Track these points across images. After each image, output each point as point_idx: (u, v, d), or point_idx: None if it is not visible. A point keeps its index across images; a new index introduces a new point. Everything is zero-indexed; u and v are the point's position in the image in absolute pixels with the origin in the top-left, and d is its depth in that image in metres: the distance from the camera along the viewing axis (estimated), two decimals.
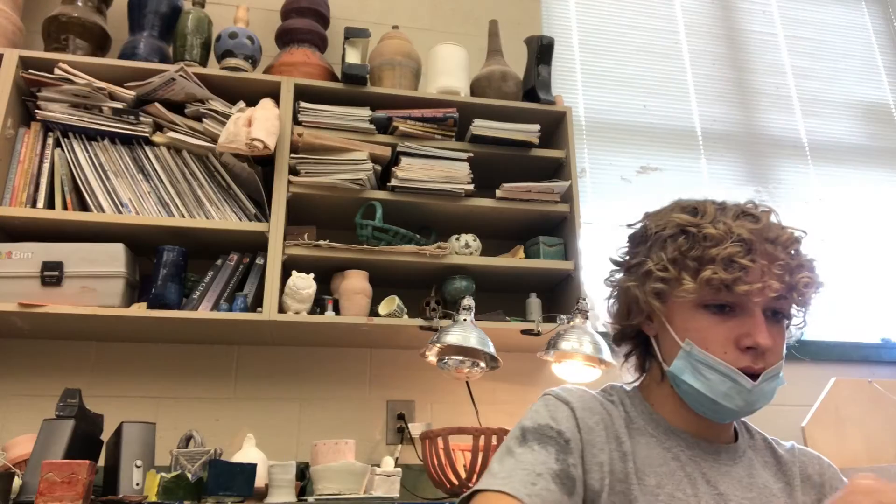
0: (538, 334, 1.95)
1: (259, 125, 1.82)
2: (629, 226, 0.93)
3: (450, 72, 2.20)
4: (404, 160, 1.99)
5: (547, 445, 0.79)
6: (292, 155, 1.95)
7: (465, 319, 1.78)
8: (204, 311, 1.82)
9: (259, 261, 1.93)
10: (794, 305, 0.83)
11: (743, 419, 0.92)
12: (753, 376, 0.79)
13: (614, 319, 0.94)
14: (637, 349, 0.93)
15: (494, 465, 0.78)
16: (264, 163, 1.99)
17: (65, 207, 1.82)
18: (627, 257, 0.91)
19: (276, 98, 2.00)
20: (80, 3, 2.03)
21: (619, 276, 0.92)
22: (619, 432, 0.84)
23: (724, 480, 0.84)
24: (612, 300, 0.93)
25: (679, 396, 0.86)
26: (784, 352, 0.84)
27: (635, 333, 0.92)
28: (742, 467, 0.86)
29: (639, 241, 0.90)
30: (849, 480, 0.65)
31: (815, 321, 2.76)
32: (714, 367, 0.80)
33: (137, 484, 1.50)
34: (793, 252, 0.81)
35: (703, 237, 0.80)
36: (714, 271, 0.78)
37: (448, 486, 1.64)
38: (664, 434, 0.86)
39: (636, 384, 0.94)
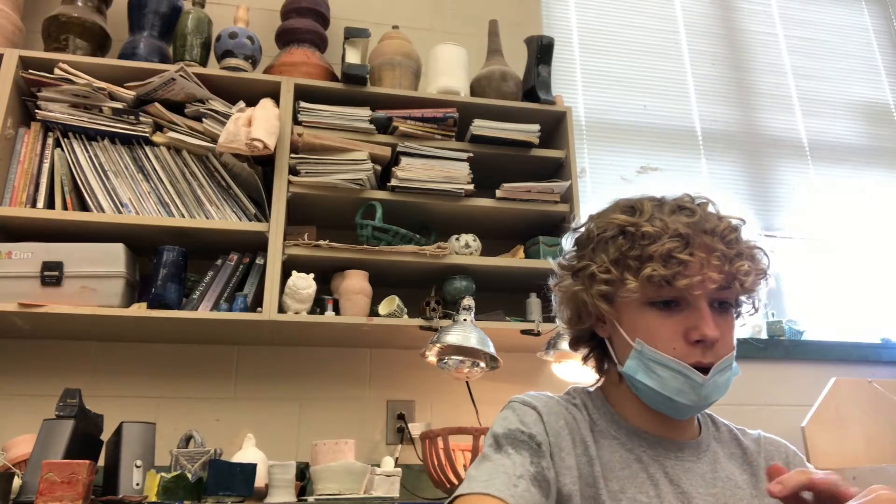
0: (538, 334, 1.95)
1: (259, 125, 1.82)
2: (574, 229, 0.94)
3: (450, 72, 2.20)
4: (404, 160, 1.99)
5: (521, 450, 0.79)
6: (292, 155, 1.95)
7: (465, 319, 1.78)
8: (204, 311, 1.82)
9: (259, 261, 1.93)
10: (739, 295, 0.84)
11: (707, 411, 0.92)
12: (704, 370, 0.80)
13: (567, 324, 0.93)
14: (594, 351, 0.94)
15: (472, 472, 0.78)
16: (264, 163, 1.99)
17: (65, 207, 1.82)
18: (574, 262, 0.90)
19: (276, 98, 2.00)
20: (80, 3, 2.03)
21: (566, 281, 0.90)
22: (584, 436, 0.84)
23: (687, 478, 0.84)
24: (562, 306, 0.92)
25: (637, 396, 0.86)
26: (735, 342, 0.84)
27: (590, 336, 0.93)
28: (706, 462, 0.86)
29: (583, 244, 0.90)
30: (866, 490, 0.64)
31: (814, 321, 2.76)
32: (665, 364, 0.80)
33: (137, 484, 1.50)
34: (731, 241, 0.81)
35: (640, 236, 0.81)
36: (654, 268, 0.79)
37: (448, 486, 1.64)
38: (626, 435, 0.86)
39: (598, 385, 0.94)
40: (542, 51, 2.24)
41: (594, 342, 0.93)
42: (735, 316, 0.86)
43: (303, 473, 1.73)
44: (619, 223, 0.84)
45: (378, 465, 1.75)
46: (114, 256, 1.79)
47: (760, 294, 0.86)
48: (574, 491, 0.79)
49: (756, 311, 0.88)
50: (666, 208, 0.84)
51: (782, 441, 0.95)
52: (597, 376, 0.95)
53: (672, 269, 0.78)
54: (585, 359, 0.95)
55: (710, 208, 0.85)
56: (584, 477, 0.81)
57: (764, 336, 2.44)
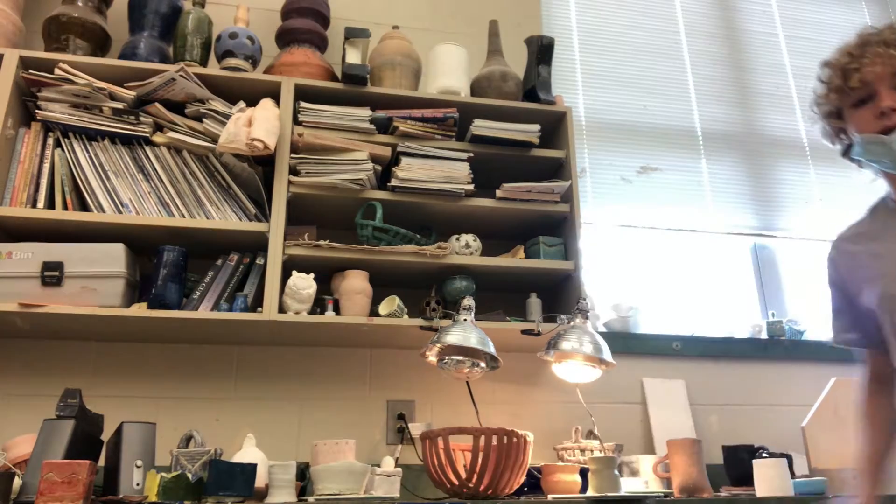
0: (538, 334, 1.95)
1: (259, 125, 1.83)
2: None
3: (450, 72, 2.20)
4: (404, 160, 2.00)
5: None
6: (292, 155, 1.95)
7: (465, 319, 1.78)
8: (204, 312, 1.82)
9: (259, 261, 1.93)
10: None
11: None
12: (891, 131, 1.11)
13: (834, 144, 1.30)
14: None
15: None
16: (264, 163, 1.99)
17: (65, 207, 1.82)
18: (812, 100, 1.30)
19: (276, 98, 2.00)
20: (80, 3, 2.03)
21: (816, 120, 1.29)
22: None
23: None
24: (824, 137, 1.30)
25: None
26: None
27: (851, 148, 1.25)
28: None
29: (816, 87, 1.28)
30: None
31: (815, 321, 2.76)
32: (867, 141, 1.15)
33: (137, 484, 1.50)
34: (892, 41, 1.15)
35: (832, 63, 1.22)
36: (838, 81, 1.19)
37: (448, 486, 1.64)
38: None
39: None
40: (542, 51, 2.24)
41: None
42: None
43: (303, 473, 1.73)
44: (823, 65, 1.25)
45: (378, 465, 1.75)
46: (114, 256, 1.79)
47: None
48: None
49: None
50: (851, 40, 1.21)
51: None
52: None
53: (848, 75, 1.16)
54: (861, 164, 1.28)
55: (886, 31, 1.17)
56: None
57: (764, 336, 2.44)
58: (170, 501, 1.41)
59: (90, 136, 1.90)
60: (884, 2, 3.27)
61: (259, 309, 1.82)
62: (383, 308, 1.96)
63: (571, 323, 1.86)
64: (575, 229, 2.08)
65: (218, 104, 1.94)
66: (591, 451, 1.91)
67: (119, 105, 1.89)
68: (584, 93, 2.72)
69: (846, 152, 1.29)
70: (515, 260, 2.05)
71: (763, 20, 3.09)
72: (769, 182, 2.78)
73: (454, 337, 1.72)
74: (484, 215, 2.12)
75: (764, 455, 1.83)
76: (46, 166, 1.85)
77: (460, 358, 1.83)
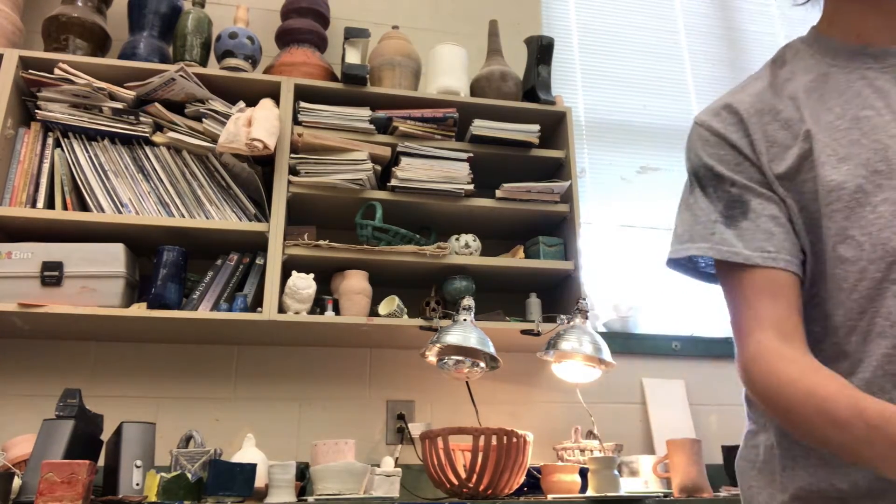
0: (538, 334, 1.95)
1: (259, 125, 1.83)
2: None
3: (450, 72, 2.20)
4: (404, 160, 1.99)
5: None
6: (292, 155, 1.95)
7: (465, 319, 1.78)
8: (204, 311, 1.82)
9: (259, 261, 1.93)
10: None
11: None
12: None
13: None
14: None
15: None
16: (264, 163, 1.99)
17: (65, 207, 1.82)
18: None
19: (276, 98, 2.00)
20: (80, 3, 2.03)
21: None
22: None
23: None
24: None
25: None
26: None
27: None
28: None
29: None
30: None
31: None
32: None
33: (137, 484, 1.50)
34: None
35: None
36: None
37: (448, 486, 1.64)
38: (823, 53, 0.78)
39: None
40: (541, 51, 2.24)
41: None
42: None
43: (303, 473, 1.73)
44: None
45: (378, 465, 1.75)
46: (114, 256, 1.79)
47: None
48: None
49: None
50: None
51: None
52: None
53: None
54: None
55: None
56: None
57: None
58: (169, 501, 1.41)
59: (90, 136, 1.90)
60: None
61: (259, 309, 1.82)
62: (383, 308, 1.96)
63: (571, 323, 1.86)
64: (575, 229, 2.08)
65: (218, 104, 1.94)
66: (591, 451, 1.91)
67: (119, 105, 1.89)
68: (584, 93, 2.72)
69: None
70: (515, 260, 2.05)
71: (763, 20, 3.09)
72: None
73: (454, 337, 1.72)
74: (484, 215, 2.12)
75: None
76: (46, 166, 1.85)
77: (460, 358, 1.83)
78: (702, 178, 0.79)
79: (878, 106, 0.71)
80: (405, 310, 1.97)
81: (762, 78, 0.80)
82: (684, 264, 0.81)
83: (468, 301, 1.81)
